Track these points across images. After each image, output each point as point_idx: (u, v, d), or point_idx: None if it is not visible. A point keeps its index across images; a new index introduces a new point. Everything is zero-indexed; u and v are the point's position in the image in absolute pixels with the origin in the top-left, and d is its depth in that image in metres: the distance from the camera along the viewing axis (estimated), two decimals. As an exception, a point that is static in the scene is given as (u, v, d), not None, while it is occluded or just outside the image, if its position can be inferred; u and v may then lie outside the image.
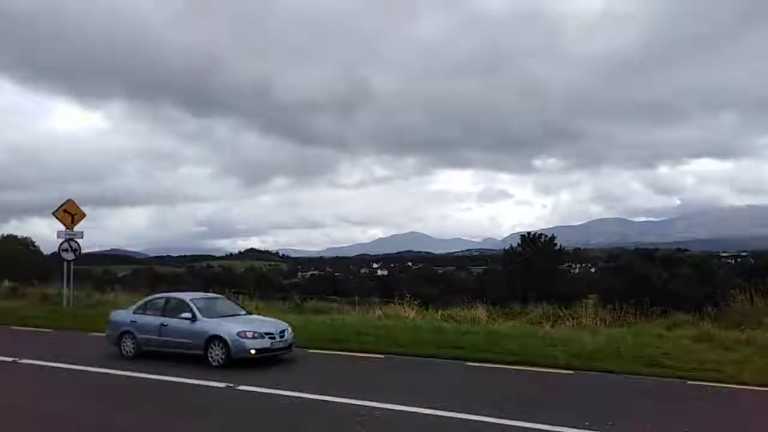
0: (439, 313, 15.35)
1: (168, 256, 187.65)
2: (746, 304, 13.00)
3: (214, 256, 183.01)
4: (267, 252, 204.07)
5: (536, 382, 8.31)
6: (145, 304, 10.67)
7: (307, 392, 7.22)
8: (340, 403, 6.76)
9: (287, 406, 6.83)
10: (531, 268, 50.19)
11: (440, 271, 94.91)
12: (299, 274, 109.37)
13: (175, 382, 8.19)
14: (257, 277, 73.76)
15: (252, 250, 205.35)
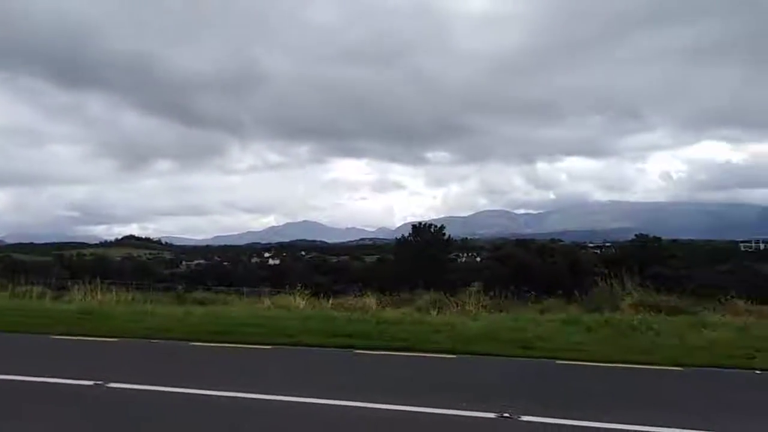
0: (330, 302, 15.33)
1: (31, 243, 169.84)
2: (607, 290, 14.41)
3: (87, 244, 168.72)
4: (148, 240, 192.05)
5: (422, 367, 8.58)
6: None
7: (188, 387, 6.83)
8: (222, 396, 6.47)
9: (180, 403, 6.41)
10: (421, 256, 52.06)
11: (334, 261, 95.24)
12: (183, 263, 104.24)
13: None
14: (136, 266, 69.03)
15: (131, 237, 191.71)
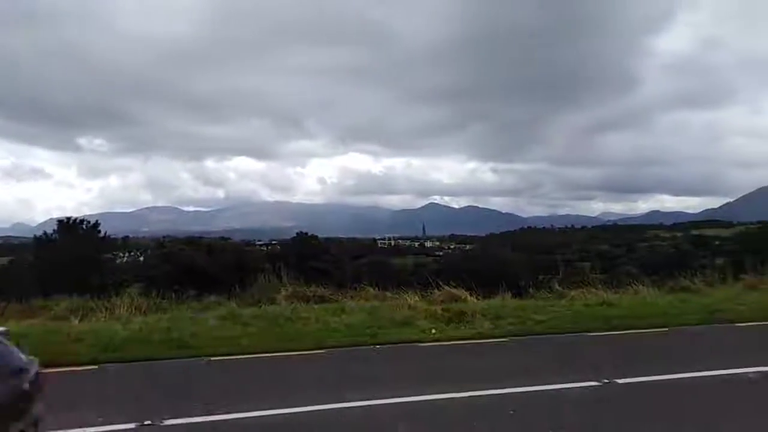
0: None
1: None
2: (266, 284, 15.16)
3: None
4: None
5: (51, 384, 7.34)
6: None
7: None
8: None
9: None
10: (68, 257, 44.95)
11: (-60, 265, 73.80)
12: None
13: None
14: None
15: None
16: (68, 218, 51.44)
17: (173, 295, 15.22)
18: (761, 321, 11.06)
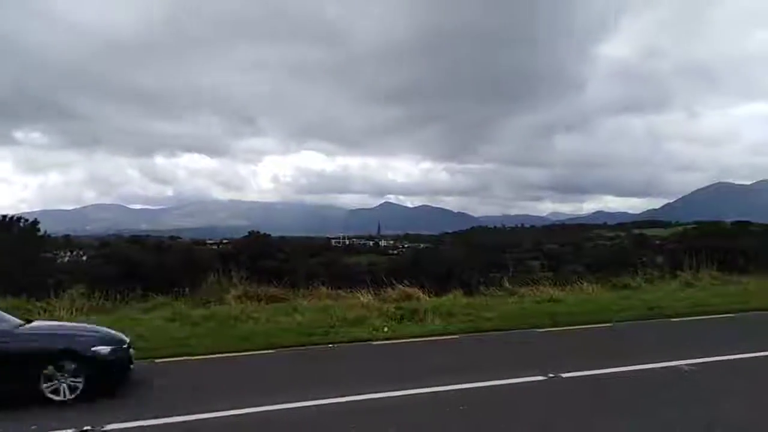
0: None
1: None
2: (216, 284, 14.81)
3: None
4: None
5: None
6: None
7: None
8: None
9: None
10: (4, 257, 42.57)
11: None
12: None
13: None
14: None
15: None
16: (4, 216, 48.75)
17: (117, 296, 14.68)
18: (696, 316, 11.69)
